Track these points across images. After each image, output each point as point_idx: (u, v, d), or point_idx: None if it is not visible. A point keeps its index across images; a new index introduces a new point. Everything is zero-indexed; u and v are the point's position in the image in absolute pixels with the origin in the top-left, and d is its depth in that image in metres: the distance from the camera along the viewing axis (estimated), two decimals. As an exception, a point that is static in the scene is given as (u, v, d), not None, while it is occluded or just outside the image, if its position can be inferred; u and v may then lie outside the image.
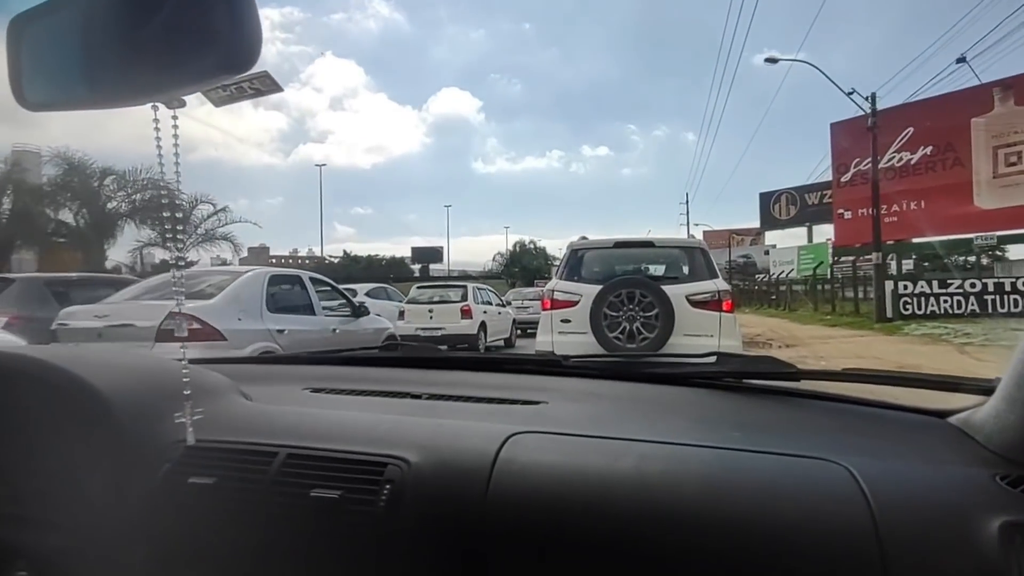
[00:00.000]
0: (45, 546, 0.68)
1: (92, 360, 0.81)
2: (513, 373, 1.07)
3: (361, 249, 38.12)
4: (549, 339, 4.70)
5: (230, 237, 19.85)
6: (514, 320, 12.37)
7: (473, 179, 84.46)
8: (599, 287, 4.55)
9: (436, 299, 10.38)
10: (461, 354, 1.31)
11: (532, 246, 42.09)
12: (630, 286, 4.53)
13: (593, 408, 0.89)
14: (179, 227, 0.71)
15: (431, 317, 9.90)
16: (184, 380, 0.67)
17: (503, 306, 11.86)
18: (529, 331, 14.33)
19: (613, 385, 1.00)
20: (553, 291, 4.85)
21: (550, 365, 1.08)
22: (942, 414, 0.80)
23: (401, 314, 10.15)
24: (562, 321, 4.71)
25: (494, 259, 43.84)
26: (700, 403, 0.92)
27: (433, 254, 43.70)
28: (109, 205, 17.67)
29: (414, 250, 44.06)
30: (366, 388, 0.96)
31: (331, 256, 37.73)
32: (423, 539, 0.62)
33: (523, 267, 39.16)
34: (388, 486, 0.64)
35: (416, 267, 40.49)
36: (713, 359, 1.12)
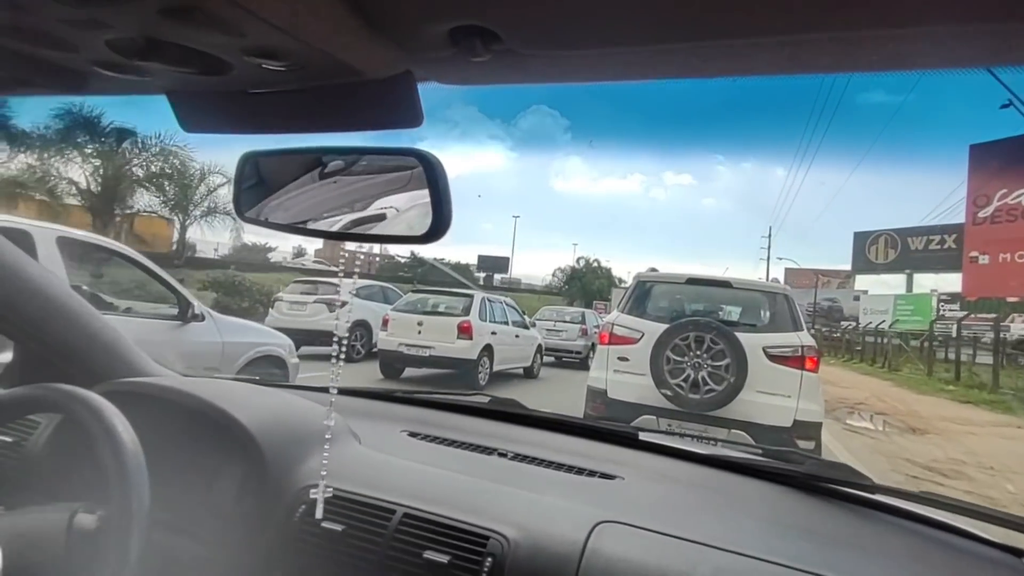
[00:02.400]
0: (193, 555, 0.86)
1: (238, 397, 1.00)
2: (590, 439, 1.19)
3: (430, 251, 38.44)
4: (603, 376, 4.41)
5: (232, 214, 18.05)
6: (540, 346, 9.51)
7: (551, 195, 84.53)
8: (664, 326, 4.25)
9: (430, 309, 7.98)
10: (543, 413, 1.33)
11: (596, 264, 41.24)
12: (700, 329, 4.11)
13: (669, 493, 1.00)
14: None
15: (419, 332, 7.28)
16: (324, 462, 0.83)
17: (526, 327, 9.10)
18: (566, 361, 11.47)
19: (687, 468, 1.09)
20: (613, 325, 4.54)
21: (625, 437, 1.19)
22: (1018, 552, 0.85)
23: (384, 323, 7.52)
24: (619, 359, 4.39)
25: (554, 274, 43.41)
26: (773, 501, 1.00)
27: (499, 263, 45.90)
28: (125, 169, 16.21)
29: (480, 258, 46.15)
30: (457, 439, 1.12)
31: (399, 255, 39.49)
32: None
33: (584, 285, 38.35)
34: (490, 559, 0.77)
35: (481, 275, 42.39)
36: (787, 452, 1.24)
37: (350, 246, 0.77)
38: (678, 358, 4.04)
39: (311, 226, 0.70)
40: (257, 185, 0.74)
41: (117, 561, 0.64)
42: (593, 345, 9.34)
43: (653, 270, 5.05)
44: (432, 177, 0.62)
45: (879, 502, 0.96)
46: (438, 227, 0.62)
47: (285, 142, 0.72)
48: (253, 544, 0.87)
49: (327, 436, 0.83)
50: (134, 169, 17.09)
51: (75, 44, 0.52)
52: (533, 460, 1.06)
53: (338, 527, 0.82)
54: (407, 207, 0.65)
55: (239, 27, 0.47)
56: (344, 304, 9.48)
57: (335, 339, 0.79)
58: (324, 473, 0.82)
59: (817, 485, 1.01)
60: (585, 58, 0.51)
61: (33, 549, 0.68)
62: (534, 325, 11.16)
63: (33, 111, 15.96)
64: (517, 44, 0.48)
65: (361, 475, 0.90)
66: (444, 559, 0.76)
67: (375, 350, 8.99)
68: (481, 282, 39.13)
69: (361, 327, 10.02)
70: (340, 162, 0.70)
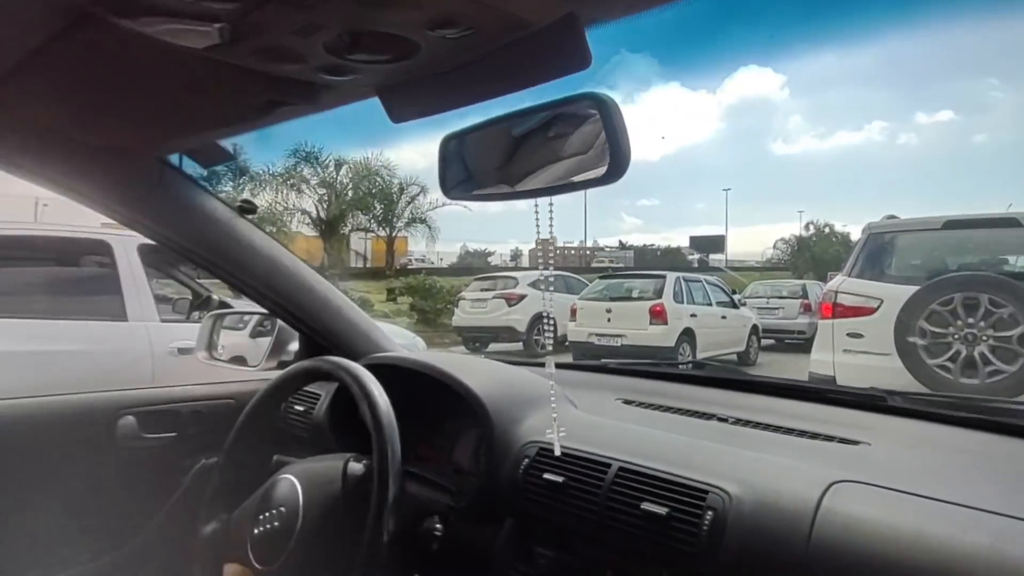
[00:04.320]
0: (444, 506, 1.04)
1: (468, 367, 1.18)
2: (827, 404, 1.10)
3: (643, 240, 39.22)
4: (828, 359, 3.71)
5: (427, 221, 20.10)
6: (756, 327, 8.95)
7: (769, 162, 77.35)
8: (913, 288, 3.35)
9: (620, 295, 7.84)
10: (770, 379, 1.35)
11: (828, 231, 36.50)
12: (970, 287, 3.17)
13: (927, 459, 0.88)
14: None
15: (609, 319, 7.34)
16: (552, 405, 0.91)
17: (736, 306, 8.61)
18: (788, 343, 10.62)
19: (954, 433, 0.96)
20: (837, 292, 3.77)
21: (872, 400, 1.07)
22: None
23: (572, 313, 7.79)
24: (849, 336, 3.63)
25: (775, 246, 39.34)
26: None
27: (713, 243, 43.54)
28: (347, 195, 19.26)
29: (692, 239, 44.92)
30: (673, 405, 1.12)
31: (607, 246, 41.64)
32: (743, 570, 0.73)
33: (813, 256, 34.20)
34: (710, 513, 0.76)
35: (695, 257, 40.93)
36: None
37: (560, 242, 0.85)
38: (938, 329, 3.22)
39: (506, 191, 0.78)
40: (458, 164, 0.85)
41: (379, 501, 0.80)
42: (821, 323, 8.43)
43: (891, 218, 4.14)
44: (607, 117, 0.67)
45: None
46: (617, 165, 0.66)
47: (475, 116, 0.80)
48: (488, 494, 1.00)
49: (551, 391, 0.92)
50: (348, 192, 20.24)
51: (302, 53, 0.65)
52: (758, 425, 1.01)
53: (559, 478, 0.90)
54: (587, 151, 0.69)
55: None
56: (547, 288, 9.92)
57: (544, 318, 0.96)
58: (555, 416, 0.91)
59: None
60: None
61: (321, 487, 0.88)
62: (744, 304, 10.41)
63: (269, 153, 19.89)
64: None
65: (577, 434, 0.96)
66: (662, 511, 0.78)
67: (566, 343, 8.94)
68: (696, 264, 37.45)
69: (543, 320, 10.01)
70: (525, 124, 0.76)
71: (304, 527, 0.84)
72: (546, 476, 0.92)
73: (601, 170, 0.68)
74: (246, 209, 1.22)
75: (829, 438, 0.93)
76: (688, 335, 8.05)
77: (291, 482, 0.90)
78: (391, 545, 0.77)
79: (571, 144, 0.72)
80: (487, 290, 11.02)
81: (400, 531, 0.80)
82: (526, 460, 0.96)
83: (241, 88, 0.76)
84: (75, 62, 0.72)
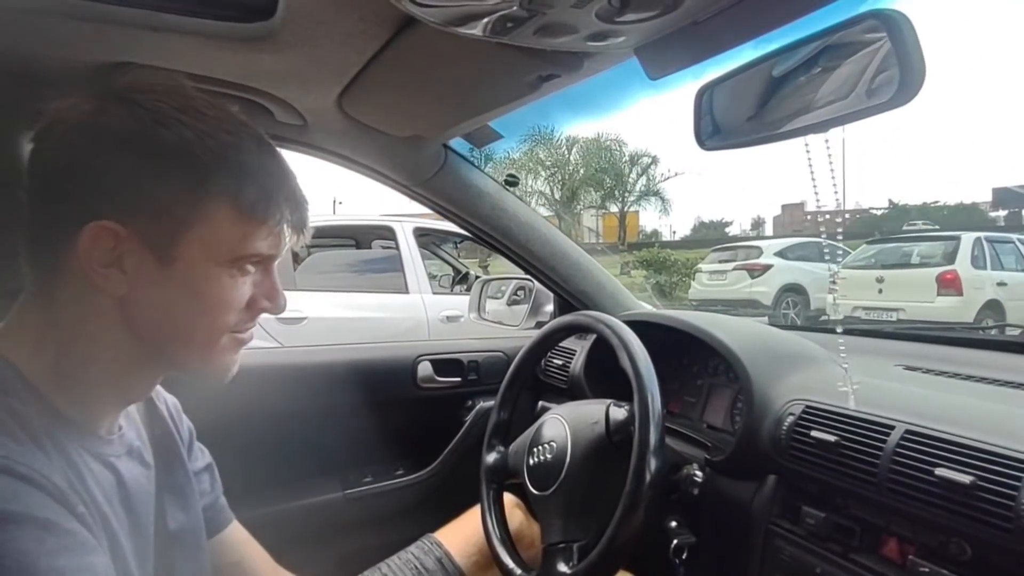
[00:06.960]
0: (700, 458, 1.06)
1: (724, 325, 1.16)
2: None
3: (916, 196, 32.93)
4: None
5: (660, 193, 19.45)
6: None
7: None
8: None
9: (896, 261, 6.84)
10: None
11: None
12: None
13: None
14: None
15: (880, 290, 6.48)
16: (842, 356, 0.92)
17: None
18: None
19: None
20: None
21: None
22: None
23: (832, 284, 7.04)
24: None
25: None
26: None
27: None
28: (578, 173, 19.93)
29: (996, 192, 35.79)
30: (972, 373, 1.01)
31: (874, 208, 35.99)
32: None
33: None
34: None
35: (999, 213, 32.88)
36: None
37: (810, 206, 0.79)
38: None
39: (770, 133, 0.76)
40: (714, 114, 0.84)
41: (642, 443, 0.83)
42: None
43: None
44: (898, 36, 0.60)
45: None
46: (908, 84, 0.60)
47: (729, 65, 0.79)
48: (747, 450, 0.99)
49: (840, 344, 0.92)
50: (580, 171, 20.81)
51: (575, 24, 0.71)
52: None
53: (831, 437, 0.85)
54: (869, 74, 0.64)
55: None
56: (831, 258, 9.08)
57: (831, 283, 0.92)
58: (846, 366, 0.90)
59: None
60: None
61: (585, 427, 0.97)
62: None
63: (508, 140, 21.43)
64: None
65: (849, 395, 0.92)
66: (965, 479, 0.70)
67: (822, 319, 8.21)
68: (1002, 222, 30.00)
69: (792, 292, 9.32)
70: (787, 62, 0.73)
71: (572, 460, 0.94)
72: (815, 434, 0.88)
73: (886, 95, 0.62)
74: (511, 182, 1.39)
75: None
76: (993, 308, 6.79)
77: (560, 421, 1.00)
78: (653, 486, 0.81)
79: (843, 75, 0.66)
80: (726, 261, 10.59)
81: (661, 475, 0.83)
82: (791, 417, 0.93)
83: (517, 67, 0.86)
84: (393, 67, 0.90)
